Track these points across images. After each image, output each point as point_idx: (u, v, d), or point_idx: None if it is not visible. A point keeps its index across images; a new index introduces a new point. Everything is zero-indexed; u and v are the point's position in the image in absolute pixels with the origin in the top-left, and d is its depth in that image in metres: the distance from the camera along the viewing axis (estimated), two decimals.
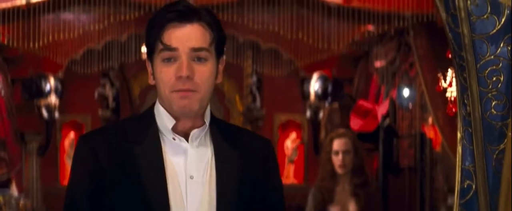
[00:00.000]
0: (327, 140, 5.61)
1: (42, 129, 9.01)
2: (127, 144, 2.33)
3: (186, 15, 2.30)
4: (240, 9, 7.02)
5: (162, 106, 2.36)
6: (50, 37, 6.97)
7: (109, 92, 9.53)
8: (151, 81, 2.38)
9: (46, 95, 8.87)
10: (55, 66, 8.58)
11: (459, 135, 2.71)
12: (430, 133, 7.57)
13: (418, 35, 6.99)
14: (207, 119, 2.37)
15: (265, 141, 2.51)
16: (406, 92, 7.83)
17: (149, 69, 2.39)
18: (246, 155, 2.40)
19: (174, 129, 2.35)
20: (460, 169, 2.71)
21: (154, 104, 2.41)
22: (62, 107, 9.08)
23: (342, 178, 5.37)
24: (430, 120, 7.42)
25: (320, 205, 5.34)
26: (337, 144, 5.40)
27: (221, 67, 2.40)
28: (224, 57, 2.41)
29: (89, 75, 8.81)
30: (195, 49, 2.29)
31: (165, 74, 2.30)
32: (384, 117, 7.86)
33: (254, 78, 9.60)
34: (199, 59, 2.30)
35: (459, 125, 2.72)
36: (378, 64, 8.14)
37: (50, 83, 8.84)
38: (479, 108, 2.63)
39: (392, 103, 7.89)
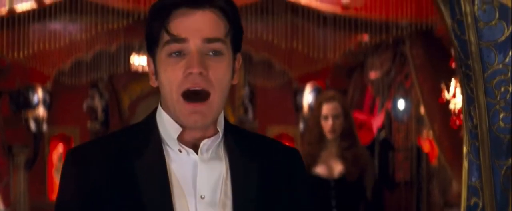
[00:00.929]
0: (315, 104, 5.45)
1: (30, 142, 8.88)
2: (123, 158, 1.95)
3: (196, 0, 1.95)
4: None
5: (166, 112, 1.98)
6: (36, 47, 6.84)
7: (98, 103, 9.42)
8: (154, 83, 2.01)
9: (34, 107, 8.75)
10: (43, 77, 8.46)
11: (465, 149, 2.56)
12: (426, 146, 7.50)
13: (414, 45, 6.91)
14: (221, 127, 1.99)
15: (292, 152, 2.11)
16: (401, 103, 7.75)
17: (151, 67, 2.01)
18: (269, 170, 2.01)
19: (181, 139, 1.96)
20: (466, 185, 2.56)
21: (155, 110, 2.03)
22: (50, 119, 8.95)
23: (331, 143, 5.21)
24: (426, 132, 7.34)
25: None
26: (326, 109, 5.22)
27: (237, 65, 2.02)
28: (240, 55, 2.04)
29: (77, 86, 8.71)
30: (209, 40, 1.92)
31: (171, 72, 1.92)
32: (380, 129, 7.77)
33: (247, 90, 9.51)
34: (214, 53, 1.93)
35: (465, 138, 2.57)
36: (373, 75, 8.08)
37: (38, 95, 8.74)
38: (487, 120, 2.49)
39: (388, 115, 7.81)
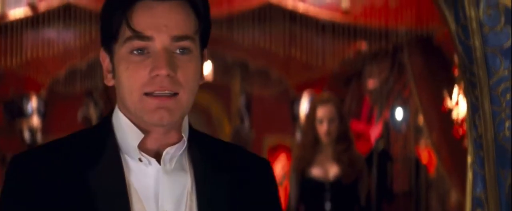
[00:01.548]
0: (310, 107, 5.37)
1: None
2: (74, 168, 1.70)
3: None
4: (230, 26, 6.86)
5: (125, 115, 1.75)
6: (29, 54, 6.78)
7: (92, 112, 9.34)
8: (109, 81, 1.77)
9: (28, 115, 8.70)
10: (37, 85, 8.40)
11: (469, 159, 2.48)
12: (424, 155, 7.46)
13: (413, 53, 6.87)
14: (185, 133, 1.77)
15: (263, 162, 1.91)
16: (400, 113, 7.71)
17: (106, 64, 1.77)
18: (238, 181, 1.81)
19: (141, 147, 1.73)
20: (470, 196, 2.48)
21: (110, 113, 1.80)
22: (44, 128, 8.89)
23: (326, 146, 5.12)
24: (424, 142, 7.31)
25: (301, 175, 5.11)
26: (321, 112, 5.13)
27: (204, 63, 1.82)
28: (206, 51, 1.84)
29: (72, 95, 8.63)
30: (177, 38, 1.70)
31: (134, 72, 1.69)
32: (378, 140, 7.73)
33: (243, 98, 9.45)
34: (182, 51, 1.71)
35: (470, 148, 2.49)
36: (371, 83, 8.03)
37: (32, 103, 8.68)
38: (492, 129, 2.41)
39: (386, 125, 7.77)
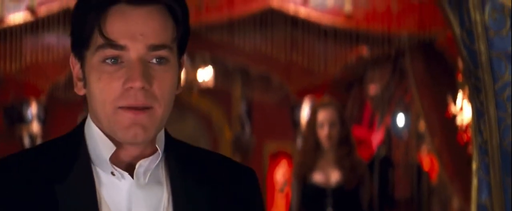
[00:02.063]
0: (311, 111, 5.32)
1: None
2: (41, 182, 1.58)
3: None
4: (231, 31, 6.84)
5: (97, 125, 1.62)
6: (29, 59, 6.76)
7: None
8: (79, 90, 1.64)
9: (28, 121, 8.68)
10: (37, 91, 8.38)
11: (474, 166, 2.44)
12: (426, 162, 7.43)
13: (415, 58, 6.86)
14: (161, 144, 1.64)
15: (247, 172, 1.78)
16: (401, 118, 7.68)
17: (76, 71, 1.63)
18: (219, 193, 1.68)
19: (113, 159, 1.61)
20: (476, 203, 2.44)
21: (82, 122, 1.67)
22: (44, 134, 8.86)
23: (327, 151, 5.07)
24: (426, 148, 7.29)
25: (303, 180, 5.07)
26: (322, 115, 5.08)
27: (181, 72, 1.69)
28: (185, 57, 1.70)
29: (72, 100, 8.61)
30: (154, 47, 1.56)
31: (106, 83, 1.56)
32: (379, 147, 7.71)
33: (244, 105, 9.43)
34: (159, 61, 1.57)
35: (474, 154, 2.45)
36: (372, 89, 8.01)
37: (32, 109, 8.66)
38: (497, 135, 2.37)
39: (387, 131, 7.75)
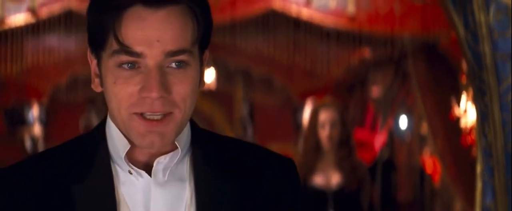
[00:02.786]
0: (312, 111, 5.28)
1: None
2: (59, 183, 1.53)
3: None
4: (233, 33, 6.83)
5: (115, 123, 1.56)
6: (30, 61, 6.75)
7: (95, 120, 9.30)
8: (97, 87, 1.55)
9: (30, 124, 8.67)
10: (39, 94, 8.36)
11: (478, 168, 2.41)
12: (429, 164, 7.40)
13: (417, 60, 6.83)
14: (182, 141, 1.55)
15: (285, 162, 1.64)
16: (404, 120, 7.66)
17: (93, 66, 1.55)
18: (253, 189, 1.56)
19: (131, 157, 1.54)
20: (480, 207, 2.40)
21: (104, 119, 1.60)
22: (46, 137, 8.85)
23: (327, 152, 5.04)
24: (428, 149, 7.26)
25: (303, 183, 5.03)
26: (323, 116, 5.04)
27: (205, 66, 1.59)
28: (207, 52, 1.59)
29: (74, 102, 8.60)
30: (172, 53, 1.46)
31: (122, 88, 1.48)
32: (382, 149, 7.68)
33: (246, 106, 9.41)
34: (178, 64, 1.48)
35: (479, 157, 2.42)
36: (374, 91, 8.00)
37: (34, 111, 8.64)
38: (502, 137, 2.33)
39: (390, 133, 7.73)
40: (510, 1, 2.27)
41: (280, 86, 8.40)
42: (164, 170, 1.53)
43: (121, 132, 1.54)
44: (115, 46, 1.46)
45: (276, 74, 8.14)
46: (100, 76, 1.53)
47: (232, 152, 1.61)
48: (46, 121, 8.82)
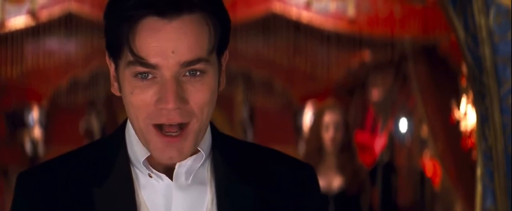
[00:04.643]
0: (316, 113, 5.27)
1: (26, 163, 8.77)
2: (81, 185, 1.53)
3: (172, 4, 1.44)
4: (233, 35, 6.82)
5: (133, 128, 1.55)
6: (30, 64, 6.75)
7: (95, 123, 9.30)
8: (116, 91, 1.55)
9: (30, 126, 8.67)
10: (39, 96, 8.36)
11: (479, 172, 2.41)
12: (429, 167, 7.39)
13: (418, 63, 6.83)
14: (204, 145, 1.55)
15: (304, 168, 1.64)
16: (404, 124, 7.65)
17: (112, 71, 1.55)
18: (272, 194, 1.56)
19: (151, 160, 1.53)
20: (480, 210, 2.40)
21: (124, 123, 1.60)
22: (46, 139, 8.85)
23: (329, 155, 5.03)
24: (429, 153, 7.26)
25: None
26: (328, 118, 5.04)
27: (224, 66, 1.58)
28: (227, 52, 1.58)
29: (74, 105, 8.59)
30: (188, 63, 1.45)
31: (138, 98, 1.47)
32: (382, 153, 7.67)
33: (246, 109, 9.41)
34: (194, 73, 1.47)
35: (479, 160, 2.43)
36: (375, 94, 7.99)
37: (34, 114, 8.64)
38: (502, 140, 2.34)
39: (390, 136, 7.72)
40: (511, 4, 2.27)
41: (280, 89, 8.39)
42: (187, 173, 1.53)
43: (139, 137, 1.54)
44: (130, 57, 1.46)
45: (276, 77, 8.13)
46: (118, 80, 1.53)
47: (252, 157, 1.61)
48: (46, 124, 8.82)
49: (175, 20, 1.44)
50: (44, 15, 6.54)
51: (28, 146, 8.75)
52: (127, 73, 1.48)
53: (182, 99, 1.45)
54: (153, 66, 1.44)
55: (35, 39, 6.83)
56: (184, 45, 1.44)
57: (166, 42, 1.43)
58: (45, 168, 1.61)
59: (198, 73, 1.47)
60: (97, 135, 9.25)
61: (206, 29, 1.47)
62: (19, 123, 8.66)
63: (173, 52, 1.43)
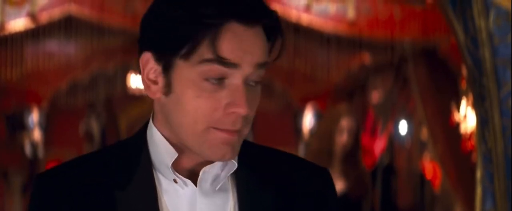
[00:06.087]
0: (333, 113, 5.25)
1: (25, 165, 8.77)
2: (103, 187, 1.53)
3: (254, 13, 1.51)
4: None
5: (161, 131, 1.55)
6: (30, 66, 6.75)
7: (95, 125, 9.30)
8: (154, 94, 1.55)
9: (30, 129, 8.67)
10: (39, 99, 8.36)
11: (478, 174, 2.41)
12: (429, 170, 7.40)
13: (417, 65, 6.84)
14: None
15: (321, 172, 1.69)
16: (404, 126, 7.66)
17: (148, 71, 1.53)
18: (291, 199, 1.59)
19: (175, 166, 1.53)
20: None
21: (144, 126, 1.60)
22: (46, 142, 8.85)
23: (336, 159, 5.04)
24: (429, 155, 7.26)
25: None
26: (346, 122, 5.04)
27: None
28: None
29: (74, 107, 8.59)
30: (260, 65, 1.50)
31: (206, 102, 1.48)
32: (382, 155, 7.68)
33: None
34: (255, 82, 1.52)
35: (479, 163, 2.42)
36: (375, 96, 7.99)
37: (34, 117, 8.64)
38: (502, 143, 2.34)
39: (390, 139, 7.73)
40: (510, 7, 2.27)
41: (280, 91, 8.39)
42: (215, 180, 1.54)
43: (166, 139, 1.54)
44: (208, 55, 1.46)
45: (276, 79, 8.12)
46: (166, 85, 1.51)
47: (271, 162, 1.64)
48: (46, 126, 8.82)
49: (252, 28, 1.49)
50: (44, 17, 6.55)
51: (28, 148, 8.76)
52: (194, 74, 1.48)
53: (250, 105, 1.49)
54: (234, 65, 1.47)
55: (35, 41, 6.84)
56: (257, 49, 1.49)
57: (245, 45, 1.48)
58: (64, 170, 1.59)
59: (257, 82, 1.52)
60: (97, 137, 9.26)
61: (265, 39, 1.53)
62: (19, 125, 8.66)
63: (250, 54, 1.48)
